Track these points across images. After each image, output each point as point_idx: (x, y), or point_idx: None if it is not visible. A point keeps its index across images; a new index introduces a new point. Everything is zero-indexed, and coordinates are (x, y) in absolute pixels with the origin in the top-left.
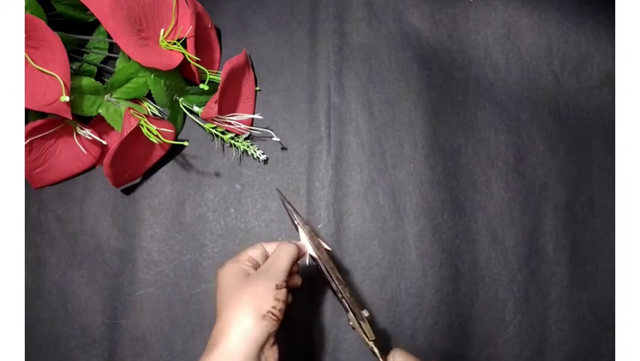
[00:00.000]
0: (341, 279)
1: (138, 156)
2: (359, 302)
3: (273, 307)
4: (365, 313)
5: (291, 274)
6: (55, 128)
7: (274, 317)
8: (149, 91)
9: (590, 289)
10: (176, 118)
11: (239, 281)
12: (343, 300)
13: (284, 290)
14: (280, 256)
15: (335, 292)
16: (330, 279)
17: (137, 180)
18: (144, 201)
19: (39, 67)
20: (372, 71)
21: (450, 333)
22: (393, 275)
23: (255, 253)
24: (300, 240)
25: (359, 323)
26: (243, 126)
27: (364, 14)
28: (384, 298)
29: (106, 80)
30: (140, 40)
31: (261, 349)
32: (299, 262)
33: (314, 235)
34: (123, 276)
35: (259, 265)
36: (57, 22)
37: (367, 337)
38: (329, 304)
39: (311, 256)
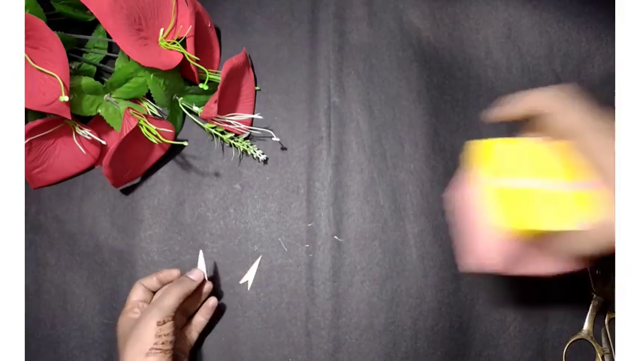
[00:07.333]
0: None
1: (137, 156)
2: None
3: (155, 344)
4: None
5: (194, 301)
6: (54, 128)
7: (159, 351)
8: (149, 91)
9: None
10: (176, 118)
11: (127, 330)
12: None
13: (168, 324)
14: (166, 294)
15: None
16: None
17: (137, 181)
18: (143, 201)
19: (38, 67)
20: (372, 70)
21: (451, 334)
22: (393, 276)
23: (137, 295)
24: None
25: None
26: (242, 126)
27: (364, 13)
28: (385, 299)
29: (105, 79)
30: (140, 39)
31: None
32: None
33: None
34: (122, 276)
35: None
36: (56, 22)
37: None
38: (329, 304)
39: None
